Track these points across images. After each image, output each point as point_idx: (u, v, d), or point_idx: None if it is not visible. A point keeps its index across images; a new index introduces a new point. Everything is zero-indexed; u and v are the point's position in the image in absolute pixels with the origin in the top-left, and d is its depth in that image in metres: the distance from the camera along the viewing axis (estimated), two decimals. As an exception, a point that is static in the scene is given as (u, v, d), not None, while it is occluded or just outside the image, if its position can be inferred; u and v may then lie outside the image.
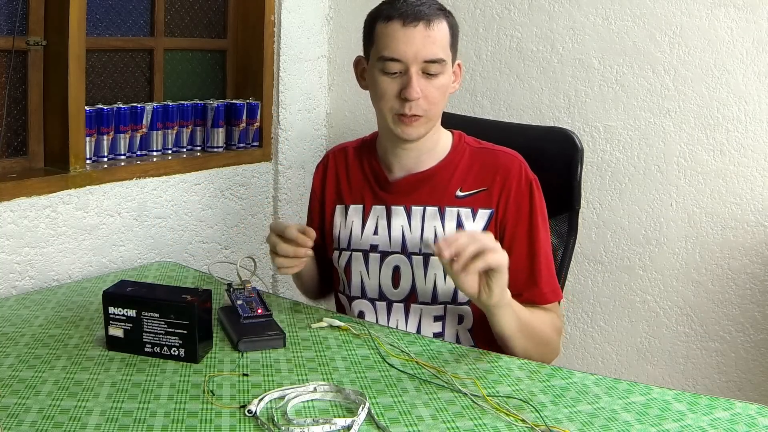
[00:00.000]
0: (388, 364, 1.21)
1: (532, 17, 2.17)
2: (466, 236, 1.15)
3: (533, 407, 1.08)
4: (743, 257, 1.94)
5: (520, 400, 1.10)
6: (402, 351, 1.26)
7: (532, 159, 1.44)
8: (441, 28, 1.31)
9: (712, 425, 1.05)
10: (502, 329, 1.28)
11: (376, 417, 1.03)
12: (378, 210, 1.44)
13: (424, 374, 1.18)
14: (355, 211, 1.46)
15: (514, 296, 1.29)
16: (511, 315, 1.26)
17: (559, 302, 1.42)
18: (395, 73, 1.31)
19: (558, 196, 1.46)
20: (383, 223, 1.42)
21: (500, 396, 1.11)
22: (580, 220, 1.65)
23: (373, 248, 1.43)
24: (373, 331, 1.34)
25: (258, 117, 2.39)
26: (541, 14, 2.15)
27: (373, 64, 1.35)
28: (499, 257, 1.15)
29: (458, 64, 1.40)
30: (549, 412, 1.07)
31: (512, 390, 1.14)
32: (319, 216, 1.54)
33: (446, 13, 1.35)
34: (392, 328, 1.40)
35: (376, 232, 1.43)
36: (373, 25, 1.36)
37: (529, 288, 1.36)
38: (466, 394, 1.11)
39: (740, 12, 1.86)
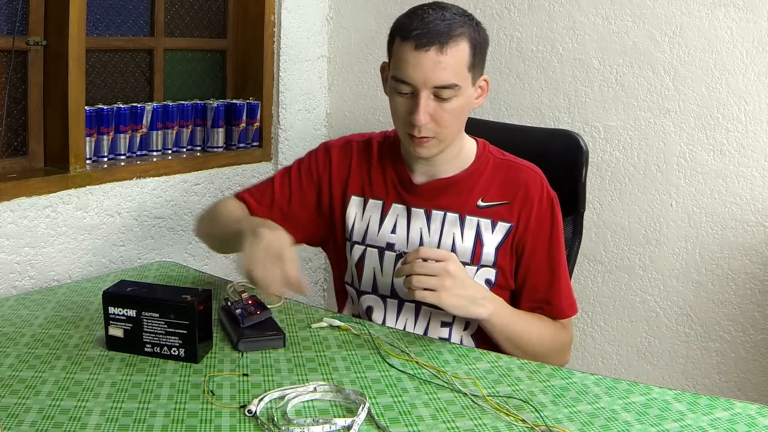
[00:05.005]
0: (388, 364, 1.21)
1: (532, 17, 2.17)
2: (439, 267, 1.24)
3: (533, 407, 1.08)
4: (743, 257, 1.94)
5: (520, 400, 1.10)
6: (402, 351, 1.26)
7: (536, 161, 1.44)
8: (456, 51, 1.26)
9: (712, 425, 1.05)
10: (491, 336, 1.35)
11: (376, 417, 1.03)
12: (398, 209, 1.43)
13: (424, 374, 1.18)
14: (375, 206, 1.44)
15: (534, 309, 1.39)
16: (494, 327, 1.33)
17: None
18: (407, 93, 1.29)
19: (563, 198, 1.45)
20: (402, 222, 1.42)
21: (500, 396, 1.11)
22: (579, 220, 1.66)
23: (390, 246, 1.42)
24: (373, 331, 1.34)
25: (258, 117, 2.39)
26: (541, 14, 2.15)
27: (389, 79, 1.34)
28: (435, 298, 1.24)
29: (485, 80, 1.36)
30: (549, 412, 1.07)
31: (512, 390, 1.14)
32: (314, 191, 1.48)
33: (471, 29, 1.29)
34: (392, 328, 1.40)
35: (394, 231, 1.42)
36: (393, 37, 1.33)
37: (548, 303, 1.40)
38: (466, 394, 1.11)
39: (740, 12, 1.87)
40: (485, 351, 1.30)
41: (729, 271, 1.97)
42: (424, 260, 1.24)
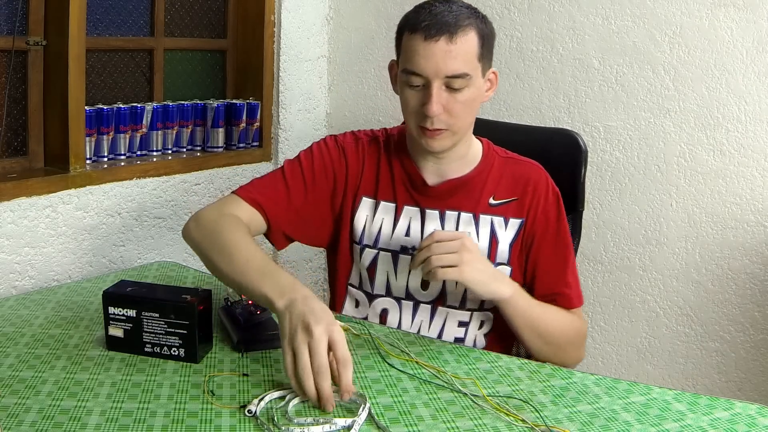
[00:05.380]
0: (388, 364, 1.21)
1: (532, 17, 2.17)
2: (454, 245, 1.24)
3: (533, 407, 1.08)
4: (743, 257, 1.94)
5: (520, 400, 1.10)
6: (402, 351, 1.26)
7: (536, 160, 1.45)
8: (466, 40, 1.26)
9: (712, 425, 1.05)
10: (509, 323, 1.34)
11: (376, 417, 1.03)
12: (411, 211, 1.41)
13: (424, 374, 1.18)
14: (386, 208, 1.42)
15: (546, 301, 1.38)
16: (515, 311, 1.31)
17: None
18: (418, 86, 1.29)
19: (563, 197, 1.46)
20: (416, 225, 1.41)
21: (500, 396, 1.11)
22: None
23: (404, 249, 1.41)
24: (373, 331, 1.34)
25: (258, 117, 2.39)
26: (541, 14, 2.15)
27: (399, 74, 1.33)
28: (450, 274, 1.24)
29: (494, 72, 1.36)
30: (549, 412, 1.07)
31: (512, 390, 1.14)
32: (329, 188, 1.43)
33: (477, 21, 1.30)
34: (392, 328, 1.40)
35: (408, 234, 1.41)
36: (401, 33, 1.33)
37: (557, 292, 1.40)
38: (466, 394, 1.11)
39: (740, 12, 1.87)
40: (485, 351, 1.30)
41: (729, 271, 1.97)
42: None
